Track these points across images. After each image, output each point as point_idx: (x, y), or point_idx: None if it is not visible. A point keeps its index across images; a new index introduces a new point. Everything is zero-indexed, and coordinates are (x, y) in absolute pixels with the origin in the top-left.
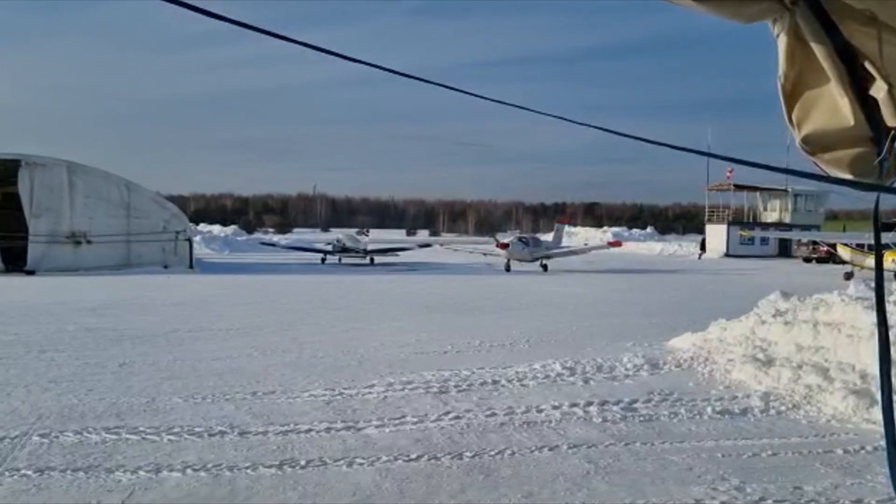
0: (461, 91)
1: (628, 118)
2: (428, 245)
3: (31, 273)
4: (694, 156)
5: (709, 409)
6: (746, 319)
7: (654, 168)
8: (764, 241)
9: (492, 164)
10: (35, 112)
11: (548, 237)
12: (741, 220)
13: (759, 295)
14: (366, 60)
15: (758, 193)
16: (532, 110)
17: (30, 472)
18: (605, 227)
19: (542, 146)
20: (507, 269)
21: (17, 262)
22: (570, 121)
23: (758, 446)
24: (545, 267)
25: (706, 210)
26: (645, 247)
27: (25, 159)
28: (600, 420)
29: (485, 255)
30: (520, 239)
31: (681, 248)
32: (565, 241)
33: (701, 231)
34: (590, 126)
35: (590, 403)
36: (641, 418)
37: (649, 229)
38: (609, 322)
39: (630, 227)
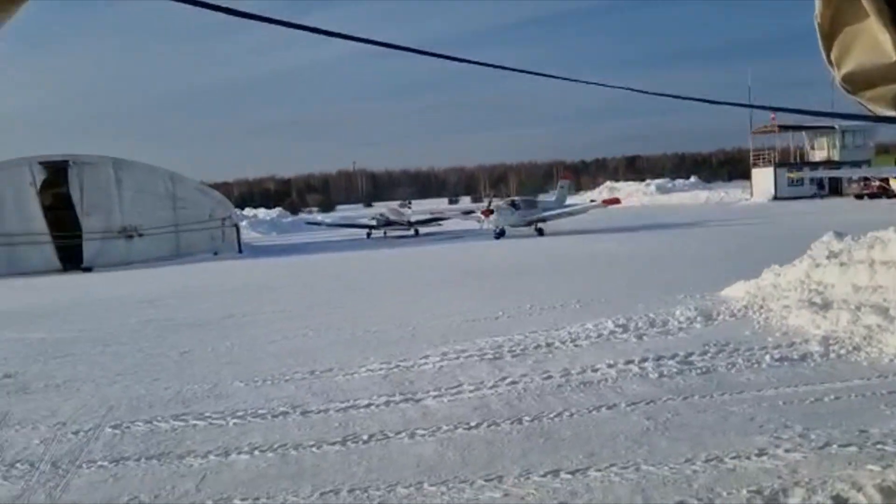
0: (480, 63)
1: (665, 69)
2: (471, 212)
3: (88, 270)
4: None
5: (767, 358)
6: (800, 263)
7: (695, 116)
8: (813, 180)
9: (528, 125)
10: (77, 112)
11: (550, 198)
12: (788, 162)
13: (812, 237)
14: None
15: (804, 133)
16: (552, 76)
17: (106, 463)
18: (648, 180)
19: (578, 103)
20: (497, 236)
21: (73, 261)
22: (600, 84)
23: (820, 391)
24: (540, 231)
25: (751, 154)
26: (689, 196)
27: (73, 159)
28: (657, 375)
29: (479, 222)
30: (512, 203)
31: (727, 194)
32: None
33: (747, 176)
34: (625, 88)
35: (645, 359)
36: (698, 371)
37: (693, 178)
38: (658, 277)
39: (673, 178)
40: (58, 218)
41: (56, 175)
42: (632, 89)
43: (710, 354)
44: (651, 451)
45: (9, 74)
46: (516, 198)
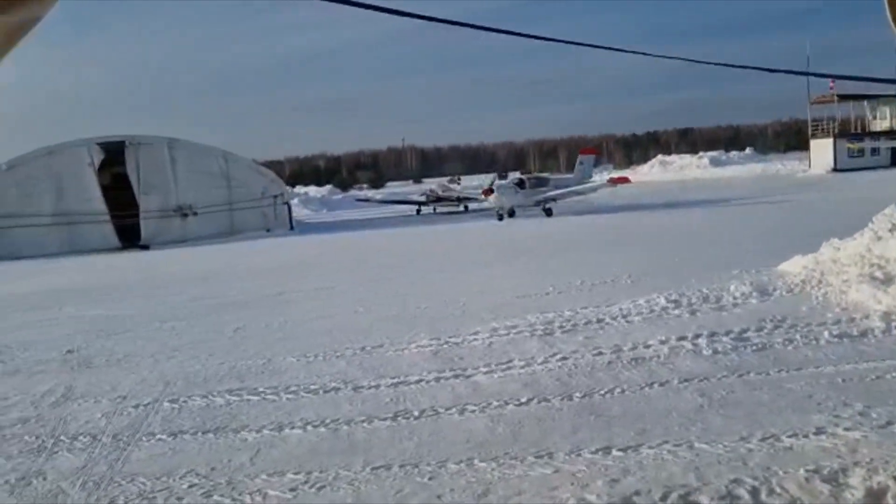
0: (515, 34)
1: (716, 39)
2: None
3: (145, 248)
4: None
5: (826, 334)
6: (861, 237)
7: (749, 86)
8: (874, 151)
9: (578, 99)
10: (132, 93)
11: (566, 177)
12: (848, 132)
13: (874, 210)
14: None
15: (865, 102)
16: (600, 46)
17: (164, 437)
18: (701, 153)
19: (627, 76)
20: (500, 217)
21: (131, 239)
22: (656, 55)
23: (881, 368)
24: (548, 211)
25: (809, 125)
26: (744, 169)
27: (129, 140)
28: (710, 352)
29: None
30: (519, 181)
31: (784, 166)
32: (661, 172)
33: (805, 148)
34: (682, 59)
35: (698, 336)
36: (754, 347)
37: (748, 150)
38: (711, 251)
39: (727, 150)
40: (116, 197)
41: (113, 155)
42: (688, 59)
43: (766, 330)
44: (705, 428)
45: (66, 58)
46: (524, 175)
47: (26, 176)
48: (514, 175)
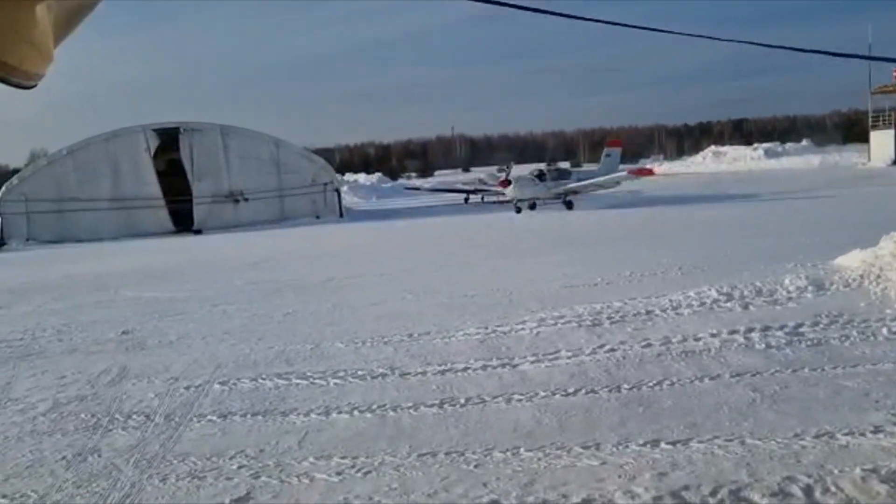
0: (583, 18)
1: (774, 26)
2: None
3: (198, 232)
4: (853, 59)
5: (884, 331)
6: None
7: (807, 76)
8: None
9: (627, 89)
10: (187, 81)
11: (591, 169)
12: None
13: None
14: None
15: None
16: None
17: (214, 418)
18: (756, 144)
19: (678, 65)
20: (518, 210)
21: (185, 224)
22: (702, 36)
23: None
24: (569, 204)
25: (869, 116)
26: (801, 161)
27: (184, 126)
28: (763, 346)
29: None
30: (539, 173)
31: (842, 158)
32: (713, 163)
33: (864, 140)
34: (745, 42)
35: (751, 329)
36: (809, 343)
37: (805, 142)
38: (765, 243)
39: (783, 142)
40: (170, 183)
41: (168, 142)
42: (750, 42)
43: (821, 326)
44: (757, 424)
45: (123, 46)
46: (544, 167)
47: (85, 161)
48: (536, 167)
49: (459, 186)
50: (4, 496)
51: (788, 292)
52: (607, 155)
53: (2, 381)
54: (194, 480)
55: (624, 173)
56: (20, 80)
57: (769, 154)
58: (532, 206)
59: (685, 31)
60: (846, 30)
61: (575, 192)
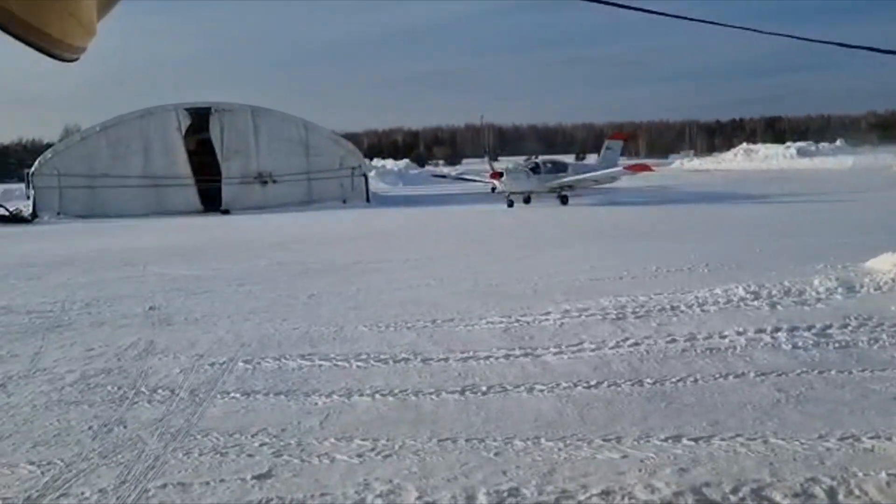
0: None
1: (815, 21)
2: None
3: (226, 212)
4: (892, 57)
5: None
6: None
7: (844, 74)
8: None
9: (658, 83)
10: (220, 62)
11: (589, 163)
12: None
13: None
14: None
15: None
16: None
17: (238, 395)
18: (789, 143)
19: (712, 61)
20: (510, 204)
21: (214, 203)
22: (743, 28)
23: None
24: (564, 199)
25: None
26: (834, 161)
27: (215, 107)
28: (790, 346)
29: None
30: (534, 165)
31: (876, 160)
32: (745, 161)
33: None
34: (783, 35)
35: (778, 329)
36: (837, 344)
37: (839, 142)
38: (795, 243)
39: (817, 142)
40: (200, 162)
41: (199, 121)
42: (791, 36)
43: (850, 328)
44: (781, 424)
45: (158, 24)
46: (538, 159)
47: (118, 138)
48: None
49: (485, 176)
50: (31, 462)
51: (817, 293)
52: (608, 148)
53: (31, 351)
54: (217, 456)
55: (620, 168)
56: (62, 52)
57: (802, 153)
58: (527, 200)
59: (727, 23)
60: (888, 28)
61: (570, 186)
